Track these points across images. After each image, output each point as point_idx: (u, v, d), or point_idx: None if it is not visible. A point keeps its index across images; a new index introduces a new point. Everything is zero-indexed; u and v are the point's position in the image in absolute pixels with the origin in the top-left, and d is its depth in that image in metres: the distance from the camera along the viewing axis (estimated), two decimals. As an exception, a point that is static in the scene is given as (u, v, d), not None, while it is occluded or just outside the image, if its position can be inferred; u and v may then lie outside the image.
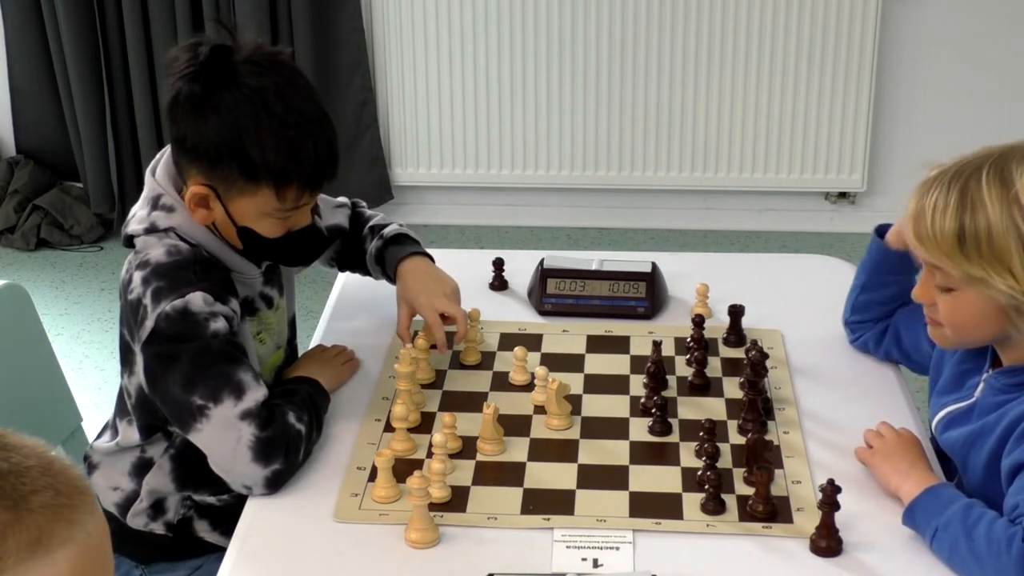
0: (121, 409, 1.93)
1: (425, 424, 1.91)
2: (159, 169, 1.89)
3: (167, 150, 1.90)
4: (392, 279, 2.12)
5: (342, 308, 2.28)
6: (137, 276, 1.81)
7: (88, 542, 1.05)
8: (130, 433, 1.90)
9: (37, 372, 2.17)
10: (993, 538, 1.54)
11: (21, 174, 4.52)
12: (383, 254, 2.13)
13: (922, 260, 1.72)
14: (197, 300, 1.76)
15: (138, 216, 1.87)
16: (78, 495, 1.05)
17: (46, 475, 1.04)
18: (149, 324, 1.77)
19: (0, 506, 1.00)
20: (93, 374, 3.66)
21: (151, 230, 1.84)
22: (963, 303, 1.68)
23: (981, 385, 1.78)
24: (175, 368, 1.76)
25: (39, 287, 4.19)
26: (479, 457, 1.82)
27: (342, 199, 2.19)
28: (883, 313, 2.04)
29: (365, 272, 2.20)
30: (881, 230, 2.02)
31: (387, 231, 2.15)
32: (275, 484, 1.75)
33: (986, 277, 1.62)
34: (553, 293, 2.23)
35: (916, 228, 1.68)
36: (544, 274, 2.25)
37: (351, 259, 2.19)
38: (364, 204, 2.24)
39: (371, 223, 2.18)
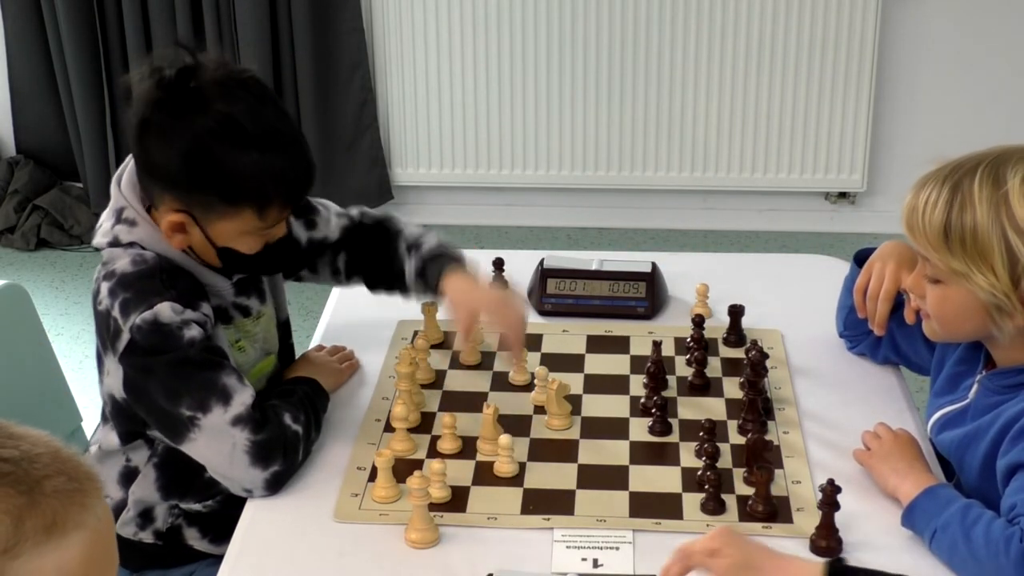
0: (102, 413, 1.93)
1: (425, 424, 1.91)
2: (124, 180, 1.84)
3: (130, 160, 1.85)
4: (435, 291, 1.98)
5: (342, 308, 2.28)
6: (104, 287, 1.78)
7: (98, 527, 1.07)
8: (111, 437, 1.89)
9: (37, 372, 2.17)
10: (992, 539, 1.54)
11: (21, 174, 4.52)
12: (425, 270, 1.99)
13: (915, 250, 1.74)
14: (166, 311, 1.73)
15: (103, 228, 1.84)
16: (88, 480, 1.07)
17: (56, 461, 1.05)
18: (125, 336, 1.75)
19: (15, 490, 1.01)
20: (93, 374, 3.60)
21: (114, 244, 1.81)
22: (948, 296, 1.69)
23: (975, 387, 1.78)
24: (156, 381, 1.74)
25: (39, 287, 4.19)
26: (479, 457, 1.82)
27: (347, 211, 2.08)
28: None
29: (399, 290, 2.03)
30: (860, 257, 2.02)
31: (425, 249, 2.00)
32: (275, 485, 1.75)
33: (968, 273, 1.64)
34: (553, 293, 2.23)
35: (908, 220, 1.70)
36: (544, 274, 2.25)
37: (380, 277, 2.05)
38: (367, 210, 2.10)
39: (407, 240, 2.02)
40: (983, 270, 1.63)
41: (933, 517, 1.61)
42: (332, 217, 2.05)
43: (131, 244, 1.80)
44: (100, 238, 1.84)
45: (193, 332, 1.75)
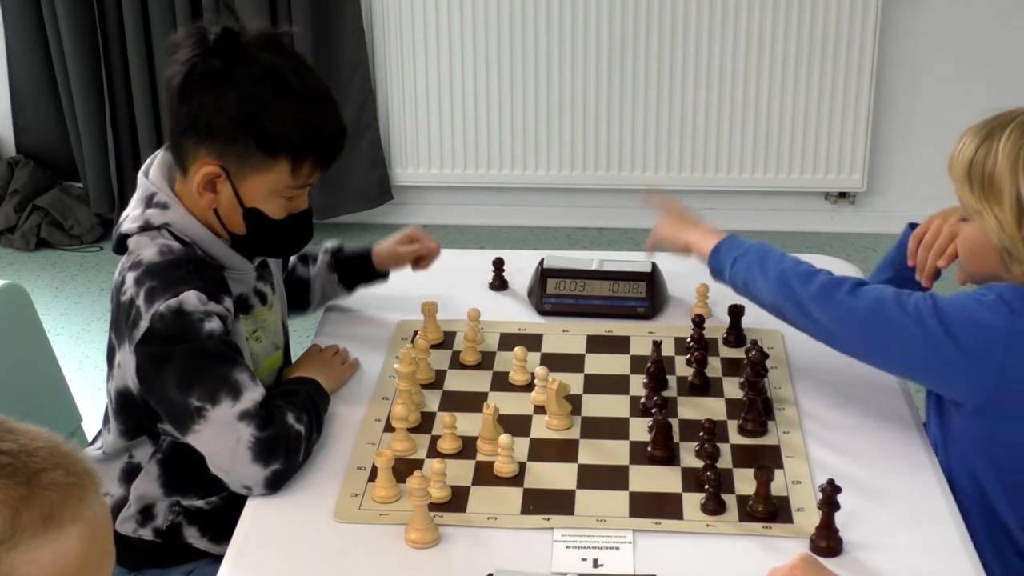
0: (104, 417, 1.93)
1: (425, 424, 1.91)
2: (152, 170, 1.89)
3: (159, 153, 1.90)
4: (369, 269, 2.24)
5: (341, 308, 2.28)
6: (130, 276, 1.80)
7: (95, 521, 1.08)
8: (111, 440, 1.90)
9: (37, 372, 2.17)
10: (786, 262, 1.89)
11: (21, 174, 4.52)
12: (339, 258, 2.24)
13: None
14: (191, 299, 1.76)
15: (131, 216, 1.86)
16: (86, 475, 1.08)
17: (55, 455, 1.07)
18: (144, 324, 1.76)
19: (13, 482, 1.02)
20: (93, 374, 3.65)
21: (145, 228, 1.83)
22: (971, 234, 1.82)
23: None
24: (170, 369, 1.76)
25: (39, 287, 4.19)
26: (479, 457, 1.82)
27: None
28: None
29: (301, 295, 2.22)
30: (914, 225, 2.04)
31: (321, 251, 2.23)
32: (275, 484, 1.75)
33: (981, 211, 1.76)
34: (553, 293, 2.23)
35: (949, 160, 1.83)
36: (544, 274, 2.25)
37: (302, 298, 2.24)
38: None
39: (299, 261, 2.23)
40: (994, 211, 1.74)
41: (735, 249, 1.98)
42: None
43: (162, 227, 1.83)
44: (129, 224, 1.86)
45: (213, 325, 1.77)
